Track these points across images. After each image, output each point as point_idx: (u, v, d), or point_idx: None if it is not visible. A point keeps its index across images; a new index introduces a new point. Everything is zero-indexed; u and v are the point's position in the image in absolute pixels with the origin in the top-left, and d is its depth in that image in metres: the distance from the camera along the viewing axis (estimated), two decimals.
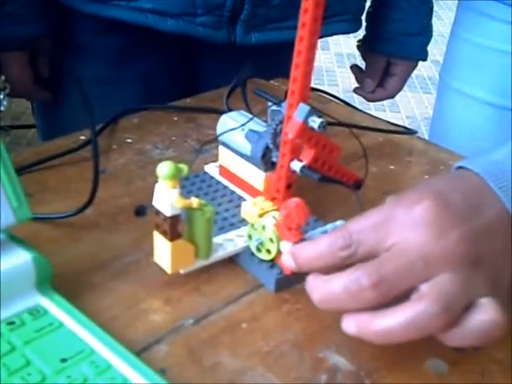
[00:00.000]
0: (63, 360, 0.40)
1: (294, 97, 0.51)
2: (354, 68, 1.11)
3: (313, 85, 1.04)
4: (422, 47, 1.00)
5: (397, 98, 3.62)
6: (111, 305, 0.47)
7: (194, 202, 0.47)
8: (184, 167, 0.46)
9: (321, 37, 0.90)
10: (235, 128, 0.56)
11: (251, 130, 0.55)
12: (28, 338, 0.41)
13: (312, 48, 0.48)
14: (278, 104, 0.54)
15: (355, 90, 1.10)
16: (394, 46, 1.00)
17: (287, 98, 0.51)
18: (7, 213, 0.44)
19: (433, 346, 0.45)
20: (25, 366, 0.40)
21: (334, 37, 1.04)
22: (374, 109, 3.39)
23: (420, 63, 1.07)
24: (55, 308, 0.44)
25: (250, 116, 0.57)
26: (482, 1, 0.96)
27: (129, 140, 0.68)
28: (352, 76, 1.13)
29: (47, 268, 0.45)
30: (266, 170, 0.55)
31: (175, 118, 0.74)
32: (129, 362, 0.40)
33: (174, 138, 0.69)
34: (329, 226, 0.52)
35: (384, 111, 3.35)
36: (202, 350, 0.44)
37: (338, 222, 0.53)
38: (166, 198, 0.46)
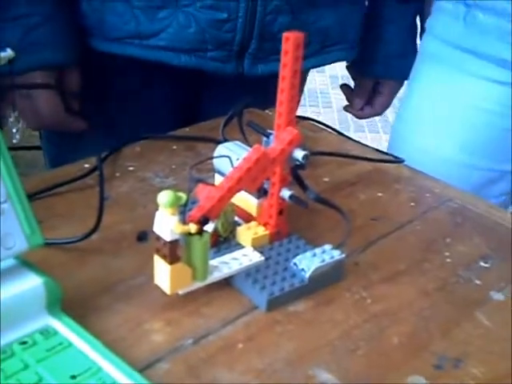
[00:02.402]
0: (73, 377, 0.43)
1: (281, 118, 0.55)
2: (344, 87, 1.16)
3: (307, 106, 1.07)
4: (407, 68, 1.05)
5: (390, 120, 3.64)
6: (116, 326, 0.50)
7: (192, 227, 0.50)
8: (183, 196, 0.50)
9: (321, 65, 0.95)
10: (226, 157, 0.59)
11: None
12: (40, 356, 0.45)
13: (295, 74, 0.52)
14: (267, 136, 0.58)
15: (345, 108, 1.15)
16: (380, 68, 1.05)
17: (275, 121, 0.55)
18: (20, 239, 0.47)
19: (414, 363, 0.49)
20: (37, 382, 0.43)
21: None
22: (369, 131, 3.45)
23: None
24: (64, 328, 0.47)
25: (245, 146, 0.61)
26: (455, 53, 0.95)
27: (131, 168, 0.72)
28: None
29: (57, 291, 0.48)
30: (258, 198, 0.58)
31: (174, 147, 0.77)
32: (133, 379, 0.43)
33: (173, 167, 0.73)
34: (317, 250, 0.56)
35: (378, 132, 3.41)
36: (201, 368, 0.47)
37: (326, 246, 0.56)
38: (166, 225, 0.49)
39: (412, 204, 0.70)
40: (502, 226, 0.67)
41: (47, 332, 0.47)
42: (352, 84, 1.15)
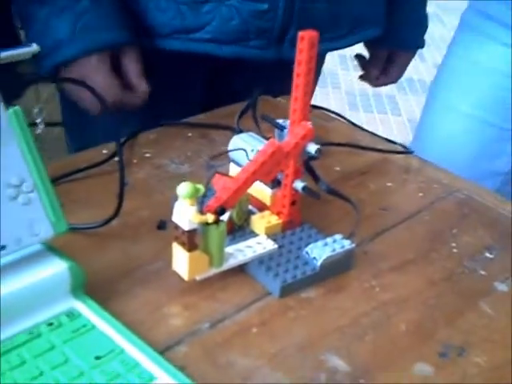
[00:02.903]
0: (97, 358, 0.46)
1: (295, 114, 0.57)
2: (359, 57, 1.18)
3: (317, 87, 1.07)
4: (420, 37, 1.09)
5: (399, 101, 3.64)
6: (135, 309, 0.52)
7: (209, 217, 0.53)
8: (201, 187, 0.52)
9: (348, 46, 0.98)
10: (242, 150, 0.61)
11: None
12: (66, 337, 0.47)
13: (310, 72, 0.54)
14: (281, 129, 0.60)
15: (361, 77, 1.17)
16: (393, 38, 1.07)
17: (290, 116, 0.57)
18: (46, 226, 0.50)
19: (420, 351, 0.51)
20: (64, 362, 0.45)
21: None
22: (377, 111, 3.45)
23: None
24: (88, 311, 0.50)
25: (260, 138, 0.63)
26: (482, 21, 1.06)
27: (147, 154, 0.74)
28: (354, 78, 1.19)
29: (81, 275, 0.51)
30: (272, 188, 0.61)
31: (189, 134, 0.79)
32: (155, 361, 0.46)
33: (189, 154, 0.75)
34: (328, 239, 0.58)
35: (386, 113, 3.41)
36: (217, 351, 0.49)
37: (337, 236, 0.59)
38: (185, 214, 0.52)
39: (420, 194, 0.72)
40: (504, 217, 0.69)
41: (72, 314, 0.49)
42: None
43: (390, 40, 1.07)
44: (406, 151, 0.79)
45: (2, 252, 0.47)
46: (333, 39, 0.93)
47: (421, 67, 4.22)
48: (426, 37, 1.11)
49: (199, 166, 0.73)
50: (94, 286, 0.53)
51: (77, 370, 0.45)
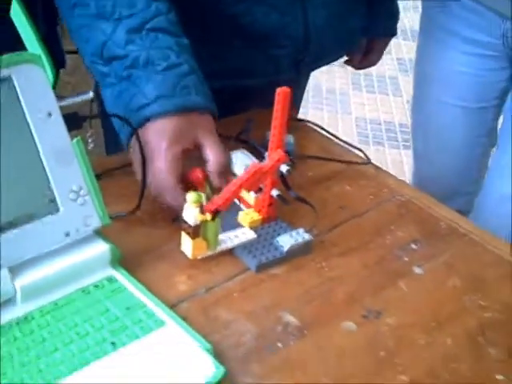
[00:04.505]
0: (127, 308, 0.69)
1: (273, 144, 0.79)
2: None
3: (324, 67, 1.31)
4: (393, 26, 1.34)
5: (400, 82, 3.79)
6: (154, 277, 0.75)
7: (208, 216, 0.75)
8: (202, 195, 0.74)
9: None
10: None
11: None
12: (107, 295, 0.70)
13: (284, 120, 0.76)
14: (262, 158, 0.82)
15: (345, 62, 1.40)
16: (371, 29, 1.28)
17: (269, 142, 0.79)
18: (96, 219, 0.73)
19: (349, 313, 0.73)
20: (106, 311, 0.69)
21: None
22: (379, 92, 3.65)
23: None
24: (121, 277, 0.73)
25: (250, 156, 0.85)
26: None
27: None
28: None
29: (117, 252, 0.74)
30: (256, 193, 0.83)
31: None
32: (165, 311, 0.69)
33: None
34: (293, 232, 0.81)
35: (387, 95, 3.60)
36: (209, 308, 0.72)
37: (300, 230, 0.81)
38: (191, 213, 0.74)
39: (371, 197, 0.94)
40: (433, 217, 0.91)
41: (110, 279, 0.72)
42: None
43: (368, 30, 1.28)
44: (366, 162, 1.00)
45: (66, 237, 0.70)
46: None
47: None
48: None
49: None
50: (125, 260, 0.75)
51: (114, 316, 0.68)
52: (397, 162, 2.98)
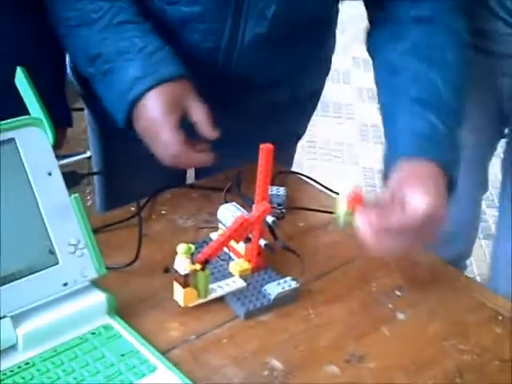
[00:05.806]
0: (122, 355, 0.73)
1: (259, 196, 0.84)
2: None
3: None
4: None
5: None
6: (148, 324, 0.79)
7: (198, 266, 0.80)
8: (192, 246, 0.79)
9: None
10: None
11: None
12: (103, 342, 0.75)
13: (268, 174, 0.81)
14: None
15: None
16: None
17: (255, 195, 0.84)
18: (92, 270, 0.78)
19: (333, 357, 0.77)
20: (102, 357, 0.73)
21: None
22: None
23: None
24: (117, 325, 0.77)
25: (239, 207, 0.90)
26: None
27: (163, 211, 1.02)
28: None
29: (113, 301, 0.78)
30: (245, 243, 0.87)
31: (194, 195, 1.06)
32: (159, 359, 0.73)
33: (193, 211, 1.02)
34: (281, 280, 0.85)
35: None
36: (199, 354, 0.76)
37: (287, 278, 0.85)
38: (182, 264, 0.79)
39: (359, 246, 0.98)
40: (418, 264, 0.95)
41: (107, 327, 0.77)
42: None
43: None
44: None
45: (65, 287, 0.75)
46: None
47: None
48: None
49: (199, 221, 1.00)
50: (121, 308, 0.80)
51: (109, 362, 0.72)
52: None
